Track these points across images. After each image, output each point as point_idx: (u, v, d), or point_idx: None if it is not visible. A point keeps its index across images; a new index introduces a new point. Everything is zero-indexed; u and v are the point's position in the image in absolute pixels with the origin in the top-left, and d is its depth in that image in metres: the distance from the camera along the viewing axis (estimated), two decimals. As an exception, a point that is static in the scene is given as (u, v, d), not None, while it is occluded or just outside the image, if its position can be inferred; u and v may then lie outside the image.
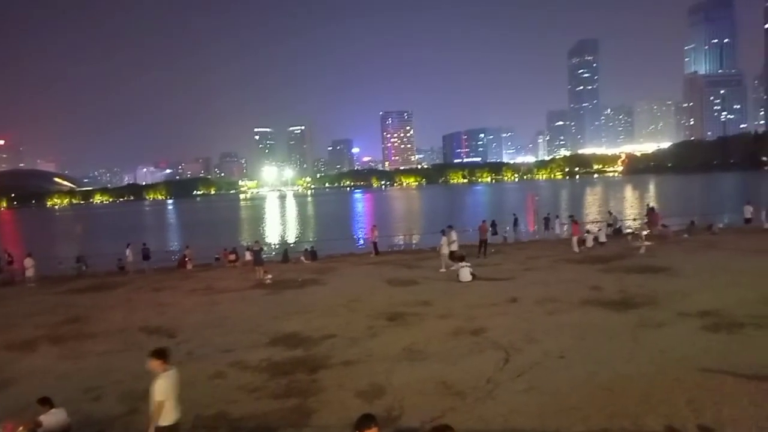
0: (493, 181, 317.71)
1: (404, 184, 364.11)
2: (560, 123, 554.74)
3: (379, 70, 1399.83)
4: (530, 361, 9.63)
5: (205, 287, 20.53)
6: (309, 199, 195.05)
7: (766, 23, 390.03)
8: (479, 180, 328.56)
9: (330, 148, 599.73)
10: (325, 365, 10.20)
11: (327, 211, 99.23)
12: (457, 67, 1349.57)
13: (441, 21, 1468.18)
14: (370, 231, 31.55)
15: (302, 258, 29.00)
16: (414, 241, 35.44)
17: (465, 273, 18.26)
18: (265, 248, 33.79)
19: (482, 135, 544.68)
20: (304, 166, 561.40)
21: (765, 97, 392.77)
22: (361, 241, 39.56)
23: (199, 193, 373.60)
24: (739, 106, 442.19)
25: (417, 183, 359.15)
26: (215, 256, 30.92)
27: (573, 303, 13.92)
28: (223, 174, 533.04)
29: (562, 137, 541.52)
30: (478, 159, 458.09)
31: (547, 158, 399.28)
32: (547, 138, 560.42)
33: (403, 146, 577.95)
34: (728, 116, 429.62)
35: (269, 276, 21.35)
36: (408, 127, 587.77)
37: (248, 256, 28.17)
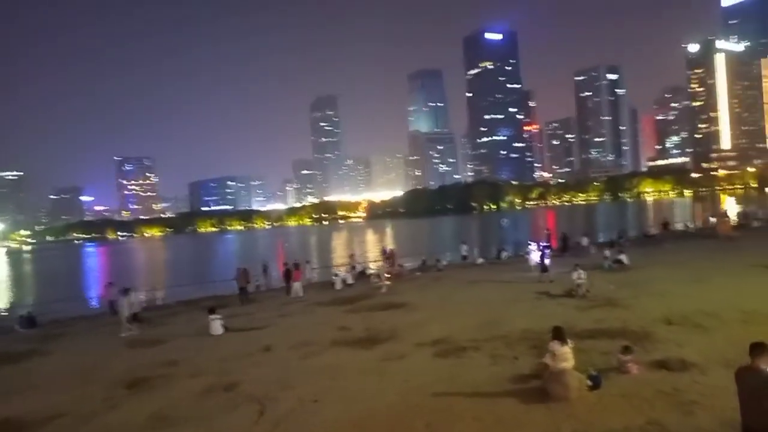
0: (245, 228, 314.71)
1: (147, 234, 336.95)
2: (307, 172, 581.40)
3: (114, 113, 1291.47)
4: (285, 409, 9.61)
5: None
6: (27, 255, 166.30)
7: (467, 92, 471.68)
8: (230, 228, 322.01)
9: (54, 197, 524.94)
10: (48, 453, 8.63)
11: (50, 269, 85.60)
12: (201, 115, 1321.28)
13: (183, 68, 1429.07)
14: (106, 289, 28.23)
15: (16, 326, 24.42)
16: (159, 297, 32.67)
17: (216, 326, 17.51)
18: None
19: (231, 183, 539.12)
20: (20, 217, 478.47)
21: (471, 152, 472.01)
22: (95, 301, 35.04)
23: None
24: (453, 160, 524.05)
25: (162, 233, 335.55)
26: None
27: (324, 345, 14.39)
28: None
29: (309, 185, 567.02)
30: (228, 207, 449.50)
31: (296, 205, 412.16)
32: (296, 186, 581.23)
33: (144, 194, 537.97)
34: (445, 168, 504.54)
35: (-31, 353, 17.38)
36: (149, 174, 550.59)
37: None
